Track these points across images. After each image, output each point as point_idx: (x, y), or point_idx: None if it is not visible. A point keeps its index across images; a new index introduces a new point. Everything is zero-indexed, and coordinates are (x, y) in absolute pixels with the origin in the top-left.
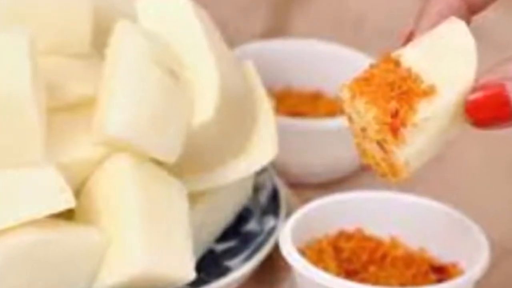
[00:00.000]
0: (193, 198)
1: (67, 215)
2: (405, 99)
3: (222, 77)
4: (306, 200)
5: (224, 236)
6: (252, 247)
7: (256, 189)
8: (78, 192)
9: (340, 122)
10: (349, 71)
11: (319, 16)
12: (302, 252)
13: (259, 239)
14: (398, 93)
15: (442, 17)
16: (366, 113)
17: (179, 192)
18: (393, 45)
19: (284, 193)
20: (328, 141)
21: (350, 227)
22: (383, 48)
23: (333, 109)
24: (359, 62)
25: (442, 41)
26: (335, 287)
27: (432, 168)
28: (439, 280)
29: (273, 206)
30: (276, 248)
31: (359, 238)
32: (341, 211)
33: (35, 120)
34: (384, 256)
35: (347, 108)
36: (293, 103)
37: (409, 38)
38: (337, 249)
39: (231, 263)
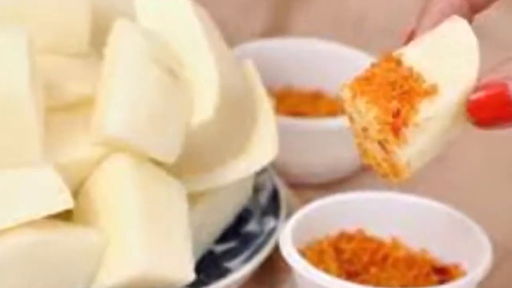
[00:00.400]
0: (193, 198)
1: (66, 216)
2: (407, 99)
3: (222, 76)
4: (306, 201)
5: (224, 237)
6: (252, 248)
7: (256, 189)
8: (76, 193)
9: (341, 122)
10: (350, 70)
11: (320, 15)
12: (303, 253)
13: (259, 240)
14: (400, 92)
15: (444, 15)
16: (367, 113)
17: (178, 192)
18: (395, 44)
19: (285, 193)
20: (329, 141)
21: (351, 228)
22: (384, 47)
23: (334, 108)
24: (360, 61)
25: (444, 40)
26: None
27: (434, 168)
28: (441, 282)
29: (273, 206)
30: (276, 249)
31: (360, 239)
32: (342, 211)
33: (33, 120)
34: (385, 257)
35: (348, 107)
36: (294, 102)
37: (410, 37)
38: (338, 250)
39: (231, 264)
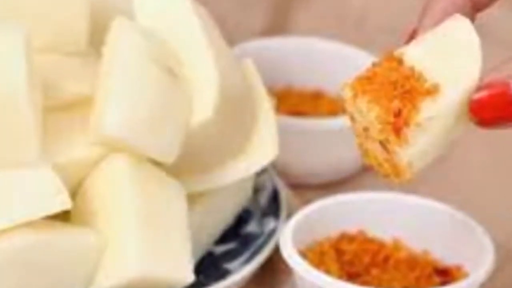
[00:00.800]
0: (192, 199)
1: (63, 216)
2: (408, 98)
3: (222, 75)
4: (307, 201)
5: (223, 238)
6: (252, 249)
7: (256, 190)
8: (74, 193)
9: (341, 121)
10: (351, 69)
11: (321, 13)
12: (303, 254)
13: (259, 241)
14: (401, 92)
15: (446, 14)
16: (369, 113)
17: (177, 193)
18: (396, 43)
19: (285, 194)
20: (330, 141)
21: (352, 229)
22: (385, 46)
23: (335, 108)
24: (361, 60)
25: (446, 39)
26: None
27: (436, 168)
28: (443, 283)
29: (273, 207)
30: (276, 251)
31: (361, 240)
32: (343, 212)
33: (31, 120)
34: (386, 259)
35: (349, 107)
36: (294, 102)
37: (412, 36)
38: (339, 252)
39: (230, 265)
